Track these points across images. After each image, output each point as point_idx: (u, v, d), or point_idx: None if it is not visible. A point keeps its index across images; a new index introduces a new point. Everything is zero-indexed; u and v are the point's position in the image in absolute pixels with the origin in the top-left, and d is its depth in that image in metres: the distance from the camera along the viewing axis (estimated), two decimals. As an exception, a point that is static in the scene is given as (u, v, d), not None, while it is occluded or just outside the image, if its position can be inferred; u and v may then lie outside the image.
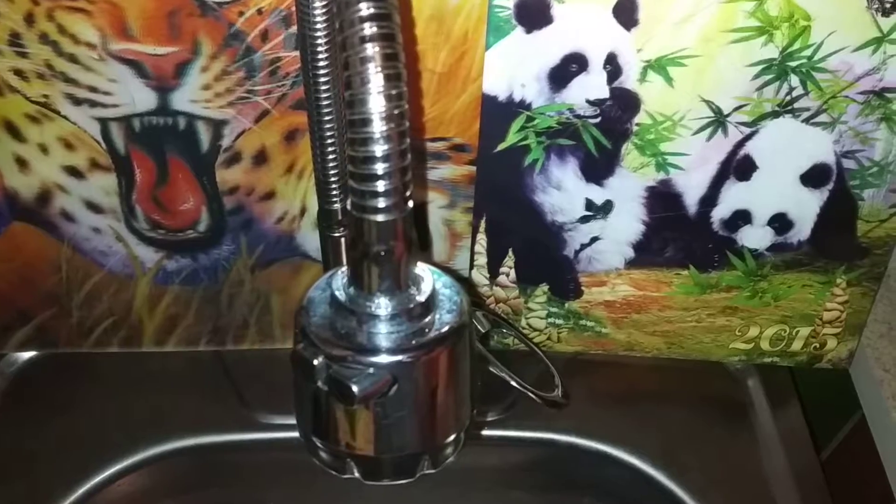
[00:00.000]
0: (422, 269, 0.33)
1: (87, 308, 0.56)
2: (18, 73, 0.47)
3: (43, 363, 0.59)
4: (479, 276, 0.57)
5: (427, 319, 0.32)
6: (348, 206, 0.28)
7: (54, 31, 0.45)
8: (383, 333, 0.31)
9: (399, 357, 0.31)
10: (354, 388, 0.29)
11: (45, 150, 0.50)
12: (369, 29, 0.25)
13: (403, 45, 0.44)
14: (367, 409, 0.32)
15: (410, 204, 0.29)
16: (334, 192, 0.44)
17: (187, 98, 0.47)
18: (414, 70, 0.48)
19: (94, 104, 0.48)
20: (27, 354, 0.59)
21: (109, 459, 0.54)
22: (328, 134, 0.41)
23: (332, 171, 0.42)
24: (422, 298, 0.32)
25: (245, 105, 0.48)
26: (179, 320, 0.58)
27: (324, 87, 0.39)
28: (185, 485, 0.57)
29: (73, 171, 0.51)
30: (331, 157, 0.42)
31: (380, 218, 0.28)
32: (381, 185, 0.27)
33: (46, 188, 0.51)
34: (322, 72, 0.38)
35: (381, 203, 0.28)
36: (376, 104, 0.26)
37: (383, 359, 0.31)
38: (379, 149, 0.27)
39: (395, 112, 0.26)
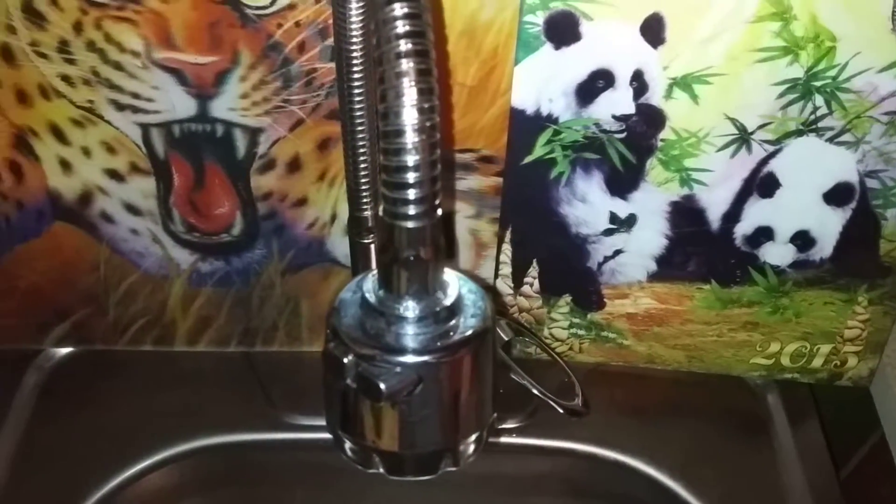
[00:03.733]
0: (448, 274, 0.34)
1: (122, 307, 0.58)
2: (66, 78, 0.49)
3: (79, 359, 0.61)
4: (504, 286, 0.58)
5: (452, 322, 0.33)
6: (380, 213, 0.30)
7: (101, 39, 0.47)
8: (410, 335, 0.32)
9: (425, 357, 0.32)
10: (382, 386, 0.31)
11: (87, 154, 0.52)
12: (405, 45, 0.26)
13: (436, 59, 0.45)
14: (393, 406, 0.33)
15: (440, 211, 0.30)
16: (365, 200, 0.45)
17: (226, 106, 0.49)
18: (445, 83, 0.50)
19: (136, 110, 0.49)
20: (64, 350, 0.61)
21: (140, 454, 0.56)
22: (360, 144, 0.42)
23: (363, 180, 0.44)
24: (448, 302, 0.33)
25: (281, 114, 0.50)
26: (211, 321, 0.59)
27: (357, 99, 0.40)
28: (212, 481, 0.58)
29: (114, 175, 0.53)
30: (362, 166, 0.43)
31: (410, 224, 0.29)
32: (412, 193, 0.29)
33: (88, 190, 0.53)
34: (356, 84, 0.40)
35: (412, 210, 0.29)
36: (409, 117, 0.27)
37: (410, 359, 0.32)
38: (411, 159, 0.28)
39: (427, 124, 0.28)
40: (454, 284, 0.34)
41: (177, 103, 0.49)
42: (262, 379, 0.60)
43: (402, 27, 0.26)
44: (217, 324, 0.59)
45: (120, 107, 0.49)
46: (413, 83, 0.27)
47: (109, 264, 0.56)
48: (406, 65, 0.26)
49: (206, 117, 0.50)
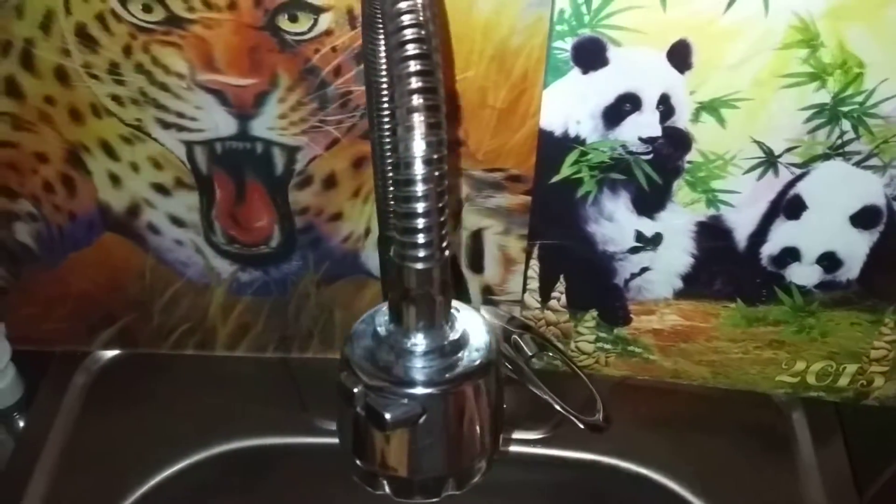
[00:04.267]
0: (456, 308, 0.36)
1: (166, 313, 0.61)
2: (115, 98, 0.51)
3: (125, 362, 0.64)
4: (531, 300, 0.59)
5: (457, 356, 0.35)
6: (391, 254, 0.31)
7: (149, 62, 0.49)
8: (417, 368, 0.34)
9: (429, 390, 0.34)
10: (387, 416, 0.33)
11: (135, 169, 0.54)
12: (416, 100, 0.28)
13: (467, 82, 0.47)
14: (400, 434, 0.35)
15: (447, 253, 0.32)
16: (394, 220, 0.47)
17: (265, 125, 0.51)
18: (476, 106, 0.51)
19: (181, 128, 0.52)
20: (111, 353, 0.64)
21: (180, 454, 0.58)
22: (389, 167, 0.44)
23: (392, 202, 0.46)
24: (454, 337, 0.35)
25: (317, 133, 0.52)
26: (250, 328, 0.62)
27: (386, 126, 0.42)
28: (246, 483, 0.61)
29: (160, 189, 0.55)
30: (392, 188, 0.45)
31: (420, 266, 0.31)
32: (420, 238, 0.30)
33: (136, 203, 0.56)
34: (385, 112, 0.41)
35: (421, 253, 0.31)
36: (419, 168, 0.29)
37: (415, 391, 0.34)
38: (420, 206, 0.30)
39: (436, 174, 0.29)
40: (461, 319, 0.35)
41: (219, 122, 0.51)
42: (297, 384, 0.62)
43: (415, 83, 0.28)
44: (255, 331, 0.62)
45: (166, 125, 0.52)
46: (423, 136, 0.28)
47: (155, 272, 0.59)
48: (417, 119, 0.28)
49: (247, 136, 0.52)
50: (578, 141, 0.52)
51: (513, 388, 0.55)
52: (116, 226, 0.57)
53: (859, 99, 0.49)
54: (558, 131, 0.52)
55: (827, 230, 0.54)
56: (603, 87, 0.50)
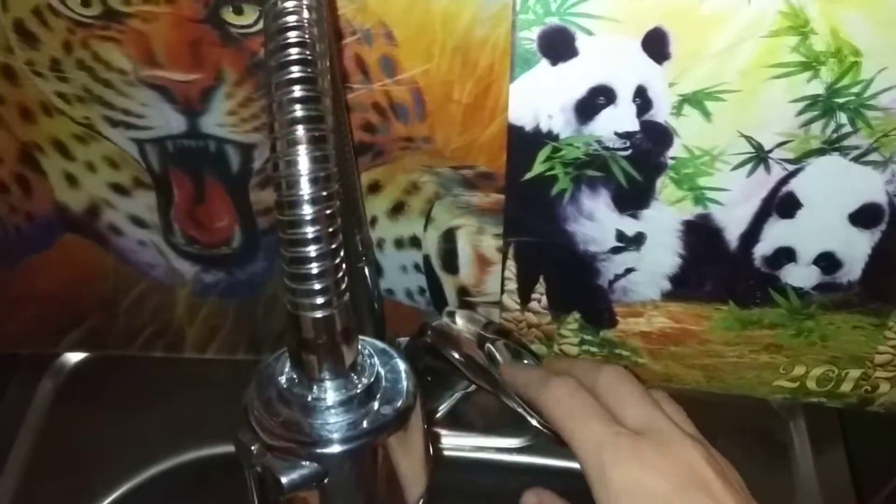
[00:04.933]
0: (371, 352, 0.32)
1: (132, 315, 0.59)
2: (62, 96, 0.49)
3: (94, 364, 0.62)
4: (510, 301, 0.56)
5: (365, 409, 0.31)
6: (286, 302, 0.28)
7: (89, 57, 0.47)
8: (320, 424, 0.30)
9: (334, 449, 0.30)
10: (283, 480, 0.29)
11: (92, 168, 0.52)
12: (301, 132, 0.24)
13: (430, 75, 0.44)
14: (305, 496, 0.31)
15: (346, 297, 0.28)
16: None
17: (214, 122, 0.48)
18: (442, 100, 0.48)
19: (129, 126, 0.49)
20: (80, 355, 0.63)
21: (150, 461, 0.57)
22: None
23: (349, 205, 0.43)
24: (364, 385, 0.31)
25: (272, 131, 0.49)
26: (218, 330, 0.59)
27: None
28: (218, 490, 0.59)
29: (119, 188, 0.53)
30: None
31: (317, 314, 0.28)
32: (316, 284, 0.27)
33: (95, 203, 0.53)
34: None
35: (319, 300, 0.27)
36: (307, 209, 0.25)
37: (315, 450, 0.30)
38: (312, 249, 0.26)
39: (327, 212, 0.26)
40: (375, 363, 0.32)
41: (168, 120, 0.49)
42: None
43: (299, 111, 0.24)
44: (224, 333, 0.59)
45: (114, 123, 0.49)
46: (308, 175, 0.25)
47: (119, 273, 0.57)
48: (302, 163, 0.24)
49: (198, 133, 0.49)
50: (551, 136, 0.48)
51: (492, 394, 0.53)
52: (76, 227, 0.55)
53: (856, 90, 0.45)
54: (529, 126, 0.48)
55: (824, 229, 0.50)
56: (574, 79, 0.46)
